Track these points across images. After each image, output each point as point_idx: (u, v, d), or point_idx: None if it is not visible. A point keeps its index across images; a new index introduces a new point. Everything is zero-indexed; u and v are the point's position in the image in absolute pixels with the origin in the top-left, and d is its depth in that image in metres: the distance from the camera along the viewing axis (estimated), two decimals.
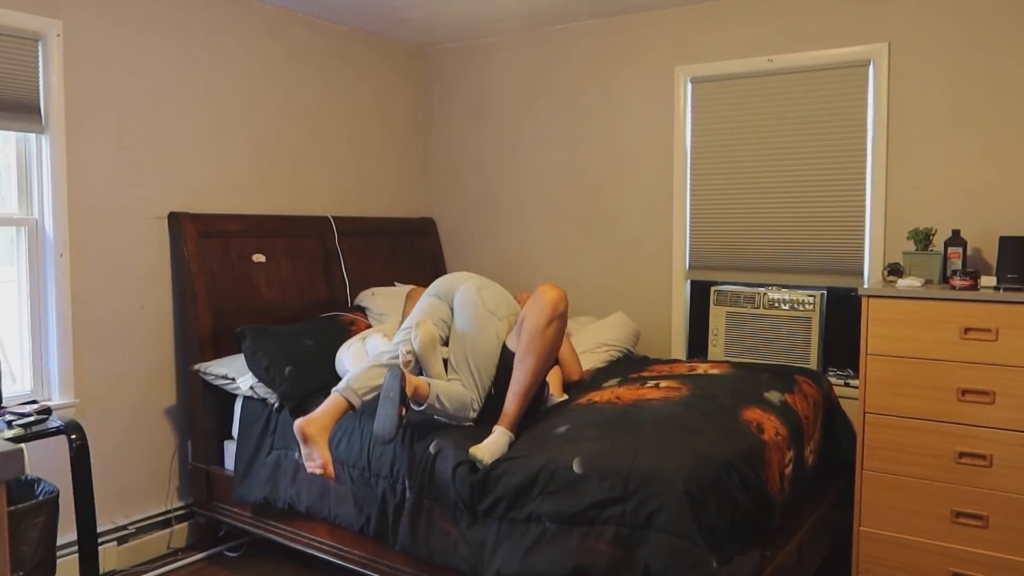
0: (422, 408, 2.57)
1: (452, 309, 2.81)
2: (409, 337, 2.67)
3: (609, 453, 2.27)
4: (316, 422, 2.55)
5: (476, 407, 2.65)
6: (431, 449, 2.54)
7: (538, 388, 2.72)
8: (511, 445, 2.48)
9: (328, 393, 2.64)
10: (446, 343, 2.78)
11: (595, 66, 4.03)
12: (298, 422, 2.56)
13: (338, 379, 3.08)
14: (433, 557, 2.50)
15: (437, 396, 2.56)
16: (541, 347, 2.52)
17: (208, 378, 3.26)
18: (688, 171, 3.78)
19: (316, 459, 2.52)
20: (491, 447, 2.43)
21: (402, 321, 3.03)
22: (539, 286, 2.62)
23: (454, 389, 2.63)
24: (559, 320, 2.54)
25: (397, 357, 2.62)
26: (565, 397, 2.88)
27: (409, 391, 2.47)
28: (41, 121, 2.98)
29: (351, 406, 2.60)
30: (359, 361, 3.02)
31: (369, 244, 4.19)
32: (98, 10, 3.13)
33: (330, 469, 2.51)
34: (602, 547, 2.17)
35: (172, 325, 3.44)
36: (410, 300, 3.24)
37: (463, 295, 2.79)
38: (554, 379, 2.93)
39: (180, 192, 3.44)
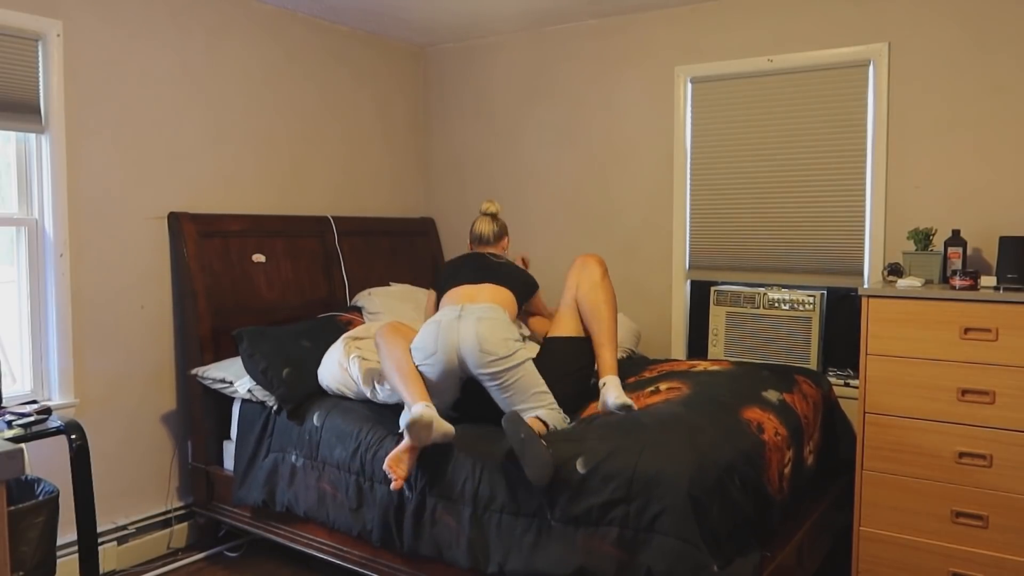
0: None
1: (461, 360, 2.57)
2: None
3: (613, 453, 2.27)
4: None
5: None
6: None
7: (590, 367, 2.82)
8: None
9: (326, 393, 2.60)
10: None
11: (595, 66, 4.03)
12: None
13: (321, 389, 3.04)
14: (440, 554, 2.49)
15: (545, 424, 2.55)
16: (606, 294, 2.80)
17: (206, 382, 3.25)
18: (688, 171, 3.78)
19: (402, 467, 2.44)
20: (620, 390, 2.59)
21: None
22: (576, 258, 2.92)
23: (552, 414, 2.60)
24: (607, 275, 2.85)
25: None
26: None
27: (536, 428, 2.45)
28: (41, 121, 2.98)
29: None
30: (339, 378, 2.96)
31: (369, 244, 4.18)
32: (98, 10, 3.13)
33: (398, 482, 2.43)
34: (607, 549, 2.17)
35: (172, 325, 3.44)
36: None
37: (470, 348, 2.54)
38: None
39: (180, 192, 3.44)
